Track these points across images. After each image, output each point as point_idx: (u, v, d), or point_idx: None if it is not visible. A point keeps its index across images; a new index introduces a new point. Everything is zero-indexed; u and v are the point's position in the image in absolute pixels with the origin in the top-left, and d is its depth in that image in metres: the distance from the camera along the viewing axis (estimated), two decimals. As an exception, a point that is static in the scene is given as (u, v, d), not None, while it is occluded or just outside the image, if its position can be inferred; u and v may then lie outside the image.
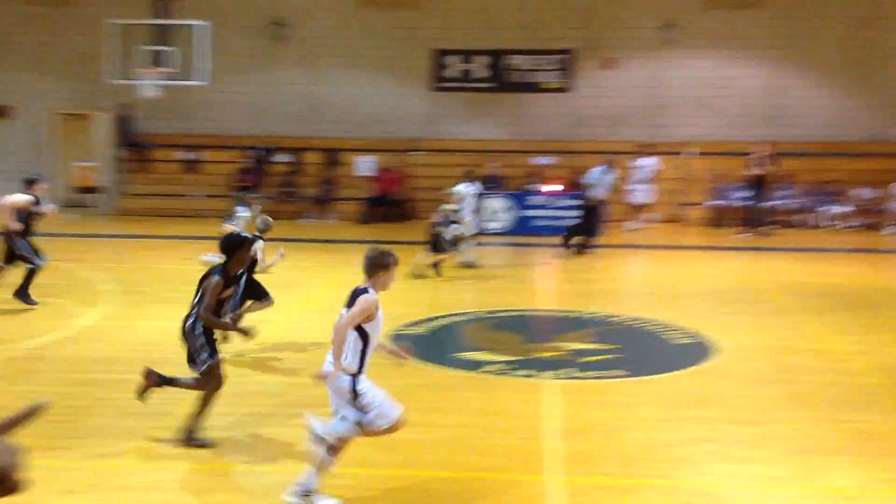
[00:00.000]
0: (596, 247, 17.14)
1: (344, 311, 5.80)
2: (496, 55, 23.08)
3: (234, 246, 7.01)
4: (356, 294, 5.80)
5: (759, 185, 19.86)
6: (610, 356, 9.85)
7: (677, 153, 22.02)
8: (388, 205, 22.42)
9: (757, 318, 11.81)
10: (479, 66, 23.23)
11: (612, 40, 22.76)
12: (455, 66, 23.29)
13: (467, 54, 23.20)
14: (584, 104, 22.90)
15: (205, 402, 6.80)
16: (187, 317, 6.92)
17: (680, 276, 15.25)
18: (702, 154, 21.80)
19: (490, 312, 12.09)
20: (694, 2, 22.42)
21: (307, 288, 13.50)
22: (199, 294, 6.85)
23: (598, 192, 16.87)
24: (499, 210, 20.11)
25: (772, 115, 22.33)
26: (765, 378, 9.14)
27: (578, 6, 22.80)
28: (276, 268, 10.02)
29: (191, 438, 6.78)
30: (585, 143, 22.19)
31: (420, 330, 10.87)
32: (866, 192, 20.56)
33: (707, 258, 17.20)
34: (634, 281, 15.97)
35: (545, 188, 20.49)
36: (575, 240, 16.93)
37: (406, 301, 11.92)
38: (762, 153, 19.71)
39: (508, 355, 9.76)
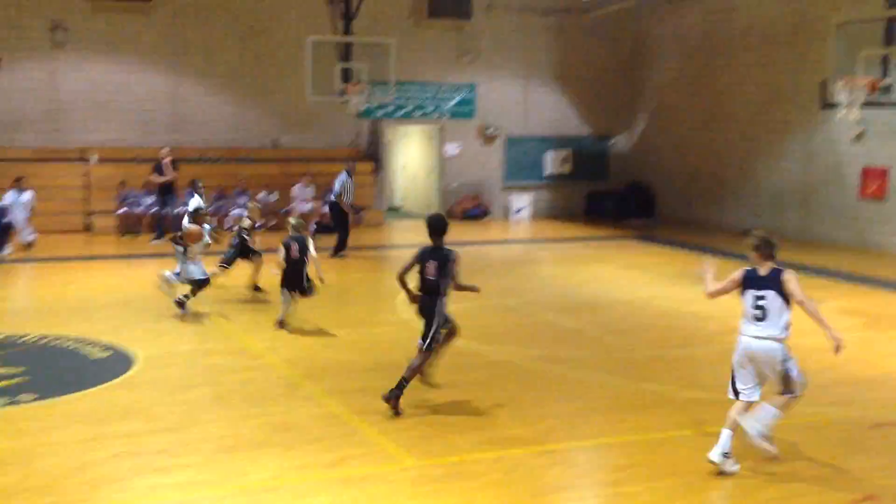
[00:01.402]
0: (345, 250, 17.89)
1: (766, 293, 6.74)
2: None
3: (447, 226, 8.19)
4: (776, 275, 6.76)
5: (164, 191, 19.96)
6: (18, 380, 9.13)
7: (81, 160, 21.20)
8: None
9: (176, 324, 11.86)
10: None
11: (-2, 39, 20.95)
12: None
13: None
14: (-30, 108, 20.80)
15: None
16: (434, 298, 8.02)
17: (93, 287, 14.67)
18: (105, 160, 21.22)
19: None
20: (82, 4, 21.56)
21: None
22: (441, 271, 7.95)
23: (346, 197, 18.00)
24: None
25: (174, 121, 22.56)
26: (187, 383, 9.24)
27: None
28: None
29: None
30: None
31: None
32: (268, 196, 21.86)
33: (120, 267, 16.81)
34: (42, 296, 14.81)
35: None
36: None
37: None
38: (165, 159, 19.82)
39: None
